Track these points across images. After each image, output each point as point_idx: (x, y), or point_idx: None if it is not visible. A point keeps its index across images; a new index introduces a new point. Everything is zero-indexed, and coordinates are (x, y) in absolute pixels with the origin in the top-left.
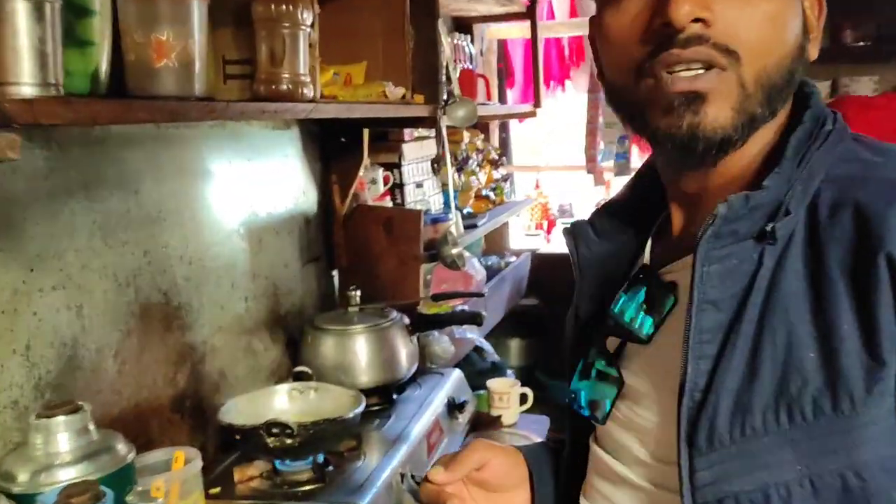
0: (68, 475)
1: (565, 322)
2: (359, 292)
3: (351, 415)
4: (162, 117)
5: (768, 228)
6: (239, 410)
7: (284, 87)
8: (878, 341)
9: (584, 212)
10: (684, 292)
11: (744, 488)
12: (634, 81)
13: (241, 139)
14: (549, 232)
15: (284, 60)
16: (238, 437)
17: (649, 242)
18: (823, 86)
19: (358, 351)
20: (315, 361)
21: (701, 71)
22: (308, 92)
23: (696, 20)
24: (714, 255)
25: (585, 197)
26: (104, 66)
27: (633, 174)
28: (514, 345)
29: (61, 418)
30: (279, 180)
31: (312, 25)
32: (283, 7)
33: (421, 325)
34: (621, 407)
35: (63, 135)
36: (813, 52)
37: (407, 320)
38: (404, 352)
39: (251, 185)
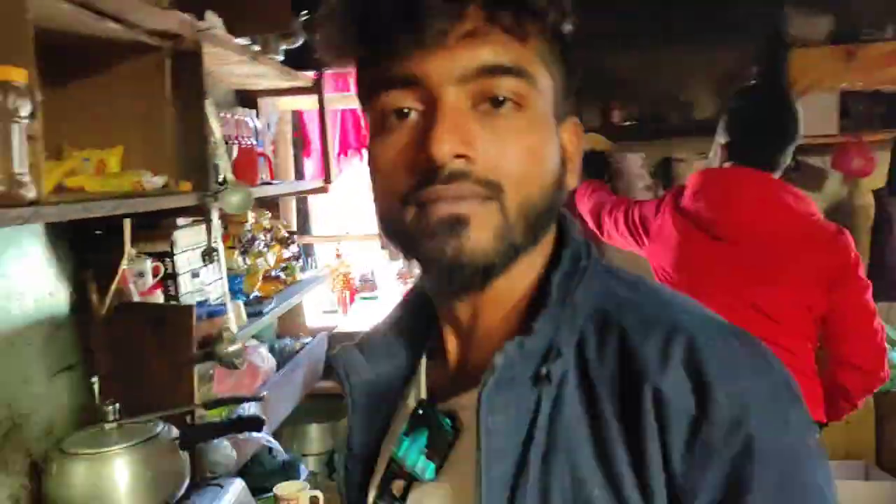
0: None
1: (336, 462)
2: (117, 406)
3: None
4: None
5: (543, 371)
6: None
7: None
8: (648, 472)
9: (386, 283)
10: (467, 428)
11: None
12: (400, 209)
13: None
14: (346, 304)
15: None
16: None
17: (423, 372)
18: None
19: (115, 476)
20: (64, 494)
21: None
22: (27, 193)
23: (459, 156)
24: (497, 403)
25: (389, 268)
26: None
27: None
28: (314, 431)
29: None
30: (15, 283)
31: (32, 115)
32: None
33: (193, 437)
34: None
35: None
36: (571, 182)
37: (175, 432)
38: (172, 471)
39: None
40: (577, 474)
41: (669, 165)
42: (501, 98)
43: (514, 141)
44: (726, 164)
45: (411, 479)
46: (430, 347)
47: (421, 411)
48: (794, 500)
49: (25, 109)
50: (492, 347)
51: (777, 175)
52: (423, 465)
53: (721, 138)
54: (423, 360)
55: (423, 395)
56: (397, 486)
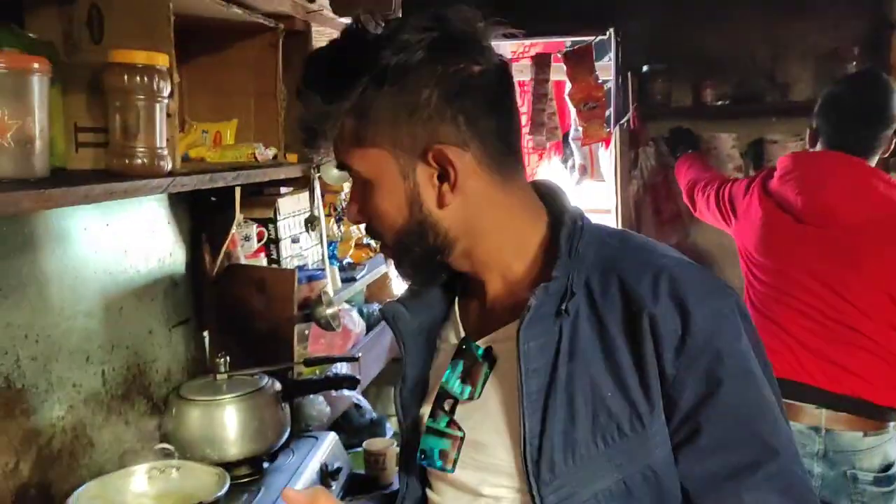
0: None
1: (394, 394)
2: (227, 359)
3: (212, 499)
4: None
5: (563, 307)
6: (92, 497)
7: (139, 161)
8: (647, 376)
9: None
10: (504, 359)
11: (583, 498)
12: None
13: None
14: None
15: (139, 133)
16: None
17: (458, 316)
18: None
19: (226, 422)
20: (180, 434)
21: None
22: (165, 165)
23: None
24: (530, 334)
25: None
26: None
27: None
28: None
29: None
30: (142, 243)
31: (171, 95)
32: (138, 79)
33: (293, 391)
34: (466, 455)
35: None
36: (448, 196)
37: (279, 386)
38: (275, 420)
39: (110, 251)
40: (594, 382)
41: (762, 147)
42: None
43: (369, 208)
44: (817, 148)
45: (457, 401)
46: (459, 297)
47: (464, 346)
48: (749, 392)
49: (166, 90)
50: (508, 299)
51: (873, 161)
52: (460, 388)
53: (813, 122)
54: (456, 308)
55: (462, 333)
56: (448, 403)
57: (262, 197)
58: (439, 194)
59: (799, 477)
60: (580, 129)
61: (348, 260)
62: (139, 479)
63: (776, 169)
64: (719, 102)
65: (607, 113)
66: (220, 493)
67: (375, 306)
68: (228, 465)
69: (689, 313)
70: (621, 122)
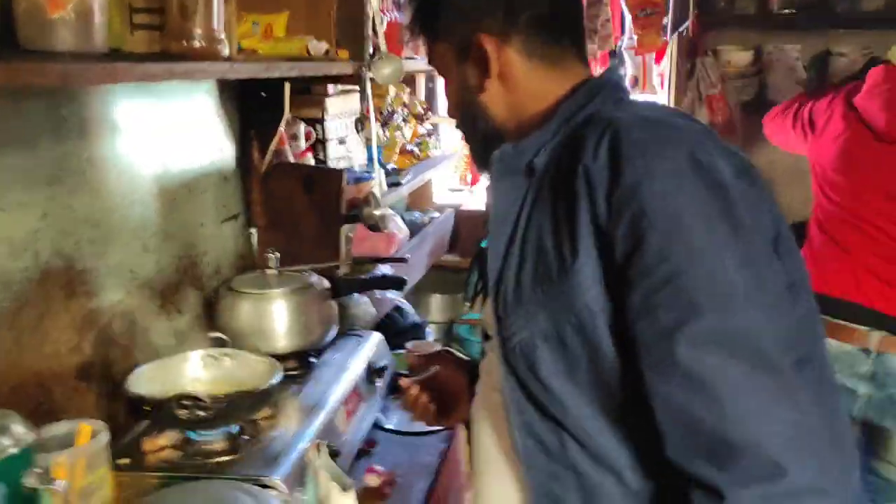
0: None
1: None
2: (277, 255)
3: (266, 386)
4: (54, 80)
5: (531, 163)
6: (149, 378)
7: (197, 43)
8: (578, 228)
9: None
10: None
11: (523, 337)
12: None
13: (151, 92)
14: (472, 185)
15: (196, 14)
16: (148, 408)
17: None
18: (746, 55)
19: (276, 316)
20: (231, 325)
21: None
22: (223, 49)
23: None
24: (500, 188)
25: None
26: None
27: None
28: (436, 301)
29: None
30: (194, 136)
31: None
32: None
33: (342, 289)
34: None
35: None
36: (488, 85)
37: (327, 284)
38: (323, 317)
39: (163, 141)
40: (541, 231)
41: (827, 60)
42: None
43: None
44: None
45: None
46: None
47: None
48: (673, 257)
49: None
50: None
51: None
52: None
53: None
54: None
55: None
56: None
57: (310, 96)
58: (481, 81)
59: (745, 331)
60: (634, 38)
61: (392, 165)
62: (194, 364)
63: (864, 82)
64: (785, 11)
65: (665, 21)
66: (273, 381)
67: (417, 214)
68: (277, 358)
69: (620, 165)
70: (679, 30)
